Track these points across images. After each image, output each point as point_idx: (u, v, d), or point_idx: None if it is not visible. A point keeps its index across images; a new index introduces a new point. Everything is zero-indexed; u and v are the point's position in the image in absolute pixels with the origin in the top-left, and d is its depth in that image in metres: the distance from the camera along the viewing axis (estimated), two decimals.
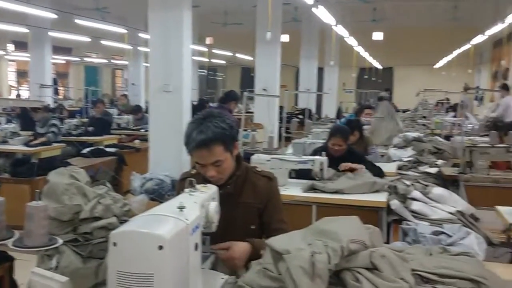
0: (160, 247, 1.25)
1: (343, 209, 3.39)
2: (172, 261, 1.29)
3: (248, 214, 2.04)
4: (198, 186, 1.68)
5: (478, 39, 11.95)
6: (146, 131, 7.24)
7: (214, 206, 1.60)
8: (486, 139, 5.64)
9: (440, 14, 15.79)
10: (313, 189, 3.59)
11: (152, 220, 1.36)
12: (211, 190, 1.71)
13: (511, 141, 4.45)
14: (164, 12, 5.75)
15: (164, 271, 1.27)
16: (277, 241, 1.43)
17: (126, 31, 11.49)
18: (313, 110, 12.89)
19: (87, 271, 1.91)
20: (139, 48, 14.70)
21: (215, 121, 1.87)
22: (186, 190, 1.64)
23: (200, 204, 1.55)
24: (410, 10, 16.51)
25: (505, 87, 9.58)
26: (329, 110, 14.02)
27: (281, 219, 2.09)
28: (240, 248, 1.87)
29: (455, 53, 15.57)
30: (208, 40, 21.25)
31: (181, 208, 1.40)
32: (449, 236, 2.64)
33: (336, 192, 3.54)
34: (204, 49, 15.87)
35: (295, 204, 3.51)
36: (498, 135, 4.97)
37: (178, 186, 2.16)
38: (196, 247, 1.43)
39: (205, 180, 1.91)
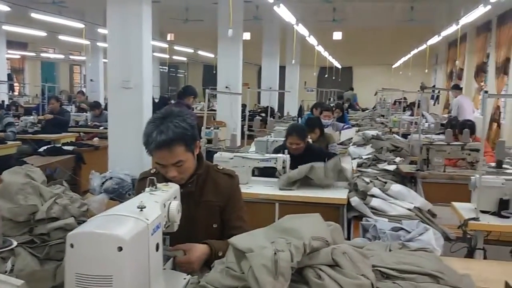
0: (120, 248, 1.22)
1: (305, 206, 3.43)
2: (132, 262, 1.26)
3: (210, 212, 2.02)
4: (159, 185, 1.65)
5: (434, 40, 12.33)
6: (106, 128, 7.09)
7: (175, 205, 1.58)
8: (442, 137, 5.83)
9: (398, 15, 16.21)
10: (288, 183, 3.60)
11: (111, 221, 1.32)
12: (173, 189, 1.68)
13: (466, 139, 4.61)
14: (123, 6, 5.62)
15: (124, 272, 1.23)
16: (240, 240, 1.42)
17: (84, 26, 11.18)
18: (276, 108, 12.96)
19: (44, 273, 1.84)
20: (97, 43, 14.36)
21: (176, 121, 1.83)
22: (147, 189, 1.61)
23: (161, 203, 1.52)
24: (369, 11, 16.87)
25: (457, 87, 9.92)
26: (291, 108, 14.15)
27: (240, 217, 2.08)
28: (199, 251, 1.84)
29: (412, 53, 16.02)
30: (169, 36, 21.04)
31: (141, 207, 1.37)
32: (408, 232, 2.70)
33: (307, 176, 3.58)
34: (165, 45, 15.65)
35: (259, 202, 3.52)
36: (453, 133, 5.15)
37: (137, 186, 2.11)
38: (157, 248, 1.40)
39: (166, 179, 1.88)
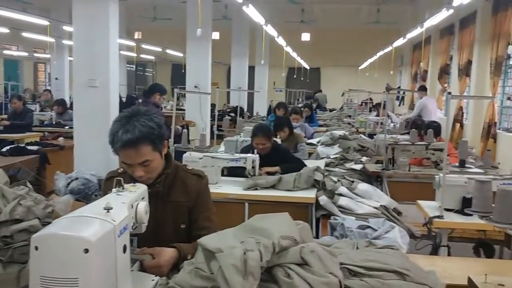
0: (86, 250, 1.20)
1: (274, 206, 3.45)
2: (99, 264, 1.24)
3: (178, 213, 2.00)
4: (126, 185, 1.62)
5: (399, 42, 12.61)
6: (71, 128, 6.93)
7: (143, 206, 1.55)
8: (407, 137, 5.96)
9: (364, 18, 16.49)
10: (254, 186, 3.62)
11: (76, 222, 1.29)
12: (140, 189, 1.66)
13: (430, 139, 4.73)
14: (90, 4, 5.52)
15: (90, 275, 1.21)
16: (209, 240, 1.42)
17: (48, 23, 10.88)
18: (245, 108, 12.97)
19: (8, 276, 1.79)
20: (63, 41, 14.01)
21: (142, 120, 1.80)
22: (114, 190, 1.58)
23: (128, 204, 1.50)
24: (337, 13, 17.09)
25: (423, 88, 10.16)
26: (260, 108, 14.19)
27: (208, 218, 2.06)
28: (167, 255, 1.81)
29: (378, 55, 16.33)
30: (137, 35, 20.74)
31: (107, 208, 1.35)
32: (374, 230, 2.75)
33: (275, 186, 3.62)
34: (132, 43, 15.42)
35: (228, 202, 3.52)
36: (418, 133, 5.27)
37: (104, 186, 2.07)
38: (124, 249, 1.38)
39: (133, 179, 1.85)
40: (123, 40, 13.94)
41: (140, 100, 11.94)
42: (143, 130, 1.78)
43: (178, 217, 2.00)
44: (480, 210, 2.15)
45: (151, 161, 1.85)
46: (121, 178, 1.61)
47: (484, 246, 2.97)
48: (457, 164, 4.05)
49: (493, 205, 2.02)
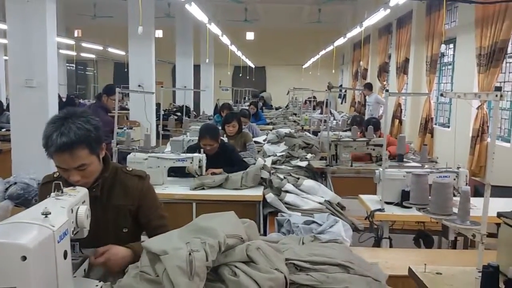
0: (23, 258, 1.16)
1: (222, 205, 3.46)
2: (38, 272, 1.19)
3: (120, 216, 1.94)
4: (65, 189, 1.56)
5: (340, 41, 12.94)
6: (8, 130, 6.59)
7: (84, 210, 1.51)
8: (349, 133, 6.12)
9: (306, 17, 16.81)
10: (201, 186, 3.60)
11: (13, 229, 1.24)
12: (81, 193, 1.61)
13: (370, 135, 4.89)
14: (24, 0, 5.27)
15: (29, 283, 1.17)
16: (153, 243, 1.40)
17: None
18: (191, 107, 12.86)
19: None
20: None
21: (79, 122, 1.72)
22: (52, 194, 1.52)
23: (68, 208, 1.45)
24: (279, 12, 17.30)
25: (369, 86, 10.43)
26: (207, 107, 14.11)
27: (160, 215, 2.04)
28: (119, 252, 1.77)
29: (321, 54, 16.68)
30: (76, 33, 20.03)
31: (46, 214, 1.30)
32: (319, 225, 2.81)
33: (222, 185, 3.63)
34: (72, 42, 14.87)
35: (175, 203, 3.49)
36: (359, 129, 5.43)
37: (41, 191, 1.97)
38: (65, 255, 1.34)
39: (68, 183, 1.76)
40: (62, 38, 13.44)
41: (81, 100, 11.57)
42: (79, 133, 1.70)
43: (119, 221, 1.94)
44: (417, 203, 2.25)
45: (87, 165, 1.77)
46: (60, 182, 1.55)
47: (423, 237, 3.10)
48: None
49: (429, 197, 2.12)
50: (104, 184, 1.91)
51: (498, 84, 6.11)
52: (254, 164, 4.08)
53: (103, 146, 1.86)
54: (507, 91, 6.14)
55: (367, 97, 10.56)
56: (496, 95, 1.56)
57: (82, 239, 1.56)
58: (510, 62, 6.17)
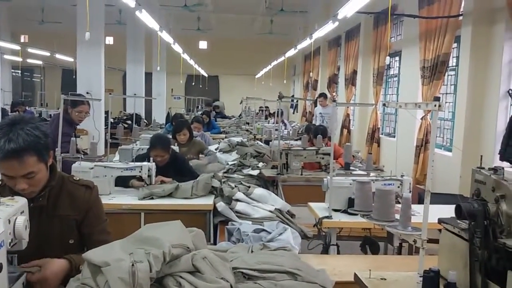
0: None
1: (172, 214, 3.38)
2: None
3: (66, 227, 1.88)
4: (2, 199, 1.50)
5: (291, 52, 13.15)
6: None
7: (22, 220, 1.45)
8: (300, 142, 6.21)
9: (259, 28, 16.99)
10: (150, 195, 3.52)
11: None
12: (19, 203, 1.54)
13: (319, 144, 4.98)
14: None
15: None
16: (95, 254, 1.36)
17: None
18: (143, 115, 12.64)
19: None
20: None
21: (27, 128, 1.67)
22: None
23: (4, 219, 1.38)
24: (233, 22, 17.39)
25: (325, 96, 10.44)
26: (159, 116, 13.91)
27: (104, 230, 1.97)
28: (55, 266, 1.70)
29: (273, 64, 16.89)
30: (23, 38, 19.31)
31: None
32: (269, 233, 2.82)
33: (172, 194, 3.58)
34: (17, 47, 14.30)
35: (123, 213, 3.40)
36: (309, 138, 5.53)
37: None
38: (0, 268, 1.27)
39: (13, 192, 1.71)
40: (7, 44, 12.92)
41: (27, 108, 11.10)
42: (28, 140, 1.65)
43: (65, 232, 1.88)
44: (361, 209, 2.32)
45: (36, 173, 1.71)
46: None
47: (369, 244, 3.18)
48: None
49: (373, 204, 2.18)
50: (50, 193, 1.85)
51: (440, 96, 6.41)
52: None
53: (51, 153, 1.81)
54: (449, 102, 6.43)
55: (321, 108, 10.12)
56: (435, 105, 1.63)
57: (26, 251, 1.50)
58: (451, 75, 6.47)
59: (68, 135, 3.83)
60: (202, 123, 7.40)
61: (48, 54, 14.92)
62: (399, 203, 2.50)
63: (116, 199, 3.54)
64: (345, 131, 10.90)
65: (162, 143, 3.99)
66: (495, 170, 1.69)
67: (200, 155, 5.43)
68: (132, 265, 1.28)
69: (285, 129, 8.75)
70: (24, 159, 1.66)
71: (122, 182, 3.77)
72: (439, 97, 1.77)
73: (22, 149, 1.64)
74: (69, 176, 2.00)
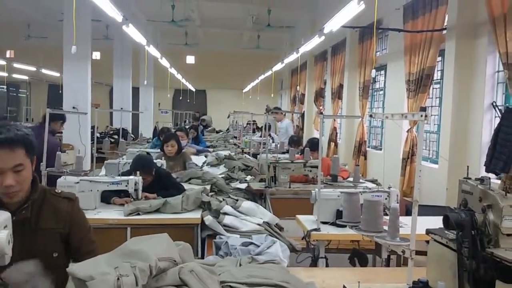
0: None
1: (159, 228, 3.31)
2: None
3: (49, 240, 1.85)
4: None
5: (278, 66, 13.23)
6: None
7: (5, 235, 1.41)
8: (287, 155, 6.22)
9: (246, 43, 17.11)
10: (136, 211, 3.48)
11: None
12: (2, 217, 1.51)
13: (307, 157, 4.99)
14: None
15: None
16: (80, 268, 1.33)
17: None
18: (130, 130, 12.57)
19: None
20: None
21: (15, 127, 1.75)
22: None
23: None
24: (220, 37, 17.50)
25: (279, 109, 10.54)
26: (146, 130, 13.86)
27: (90, 240, 1.98)
28: None
29: (260, 78, 16.98)
30: (9, 53, 19.20)
31: None
32: (257, 246, 2.80)
33: (159, 210, 3.54)
34: (3, 62, 14.20)
35: (109, 228, 3.36)
36: (297, 150, 5.54)
37: None
38: None
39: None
40: None
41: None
42: (18, 134, 1.72)
43: (49, 245, 1.85)
44: (350, 221, 2.31)
45: (24, 167, 1.73)
46: None
47: (358, 256, 3.17)
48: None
49: (361, 216, 2.18)
50: (33, 206, 1.83)
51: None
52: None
53: (34, 158, 1.82)
54: (435, 115, 6.50)
55: (277, 122, 10.44)
56: (421, 115, 1.65)
57: (10, 265, 1.47)
58: (436, 88, 6.55)
59: (55, 145, 3.80)
60: (186, 132, 7.39)
61: (34, 69, 14.84)
62: (387, 215, 2.52)
63: (102, 213, 3.50)
64: (332, 144, 10.95)
65: (143, 168, 3.85)
66: (481, 180, 1.70)
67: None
68: (118, 279, 1.25)
69: (273, 142, 8.76)
70: (15, 150, 1.70)
71: (105, 198, 3.72)
72: (425, 107, 1.79)
73: (13, 140, 1.69)
74: (51, 188, 1.99)
